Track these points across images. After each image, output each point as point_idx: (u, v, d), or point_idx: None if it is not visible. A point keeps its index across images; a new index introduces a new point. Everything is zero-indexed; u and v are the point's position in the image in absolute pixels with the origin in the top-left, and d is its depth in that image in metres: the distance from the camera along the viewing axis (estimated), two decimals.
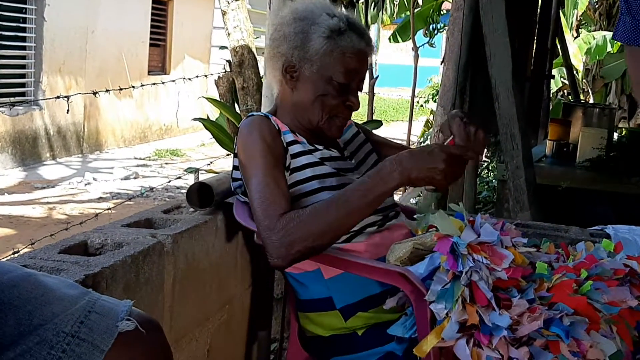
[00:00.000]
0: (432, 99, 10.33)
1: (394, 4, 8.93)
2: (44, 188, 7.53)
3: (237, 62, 3.45)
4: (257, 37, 3.86)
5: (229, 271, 1.95)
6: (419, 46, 7.51)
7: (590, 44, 8.95)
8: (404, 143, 7.92)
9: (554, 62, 6.57)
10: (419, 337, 1.42)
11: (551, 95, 7.17)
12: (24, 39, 8.62)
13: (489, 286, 1.35)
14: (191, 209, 1.86)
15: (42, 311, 0.87)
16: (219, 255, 1.86)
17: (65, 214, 6.46)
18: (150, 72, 11.31)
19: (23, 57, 8.68)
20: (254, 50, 3.54)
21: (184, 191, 1.87)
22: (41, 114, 8.78)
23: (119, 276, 1.37)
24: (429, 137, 6.91)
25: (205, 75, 4.82)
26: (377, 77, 6.80)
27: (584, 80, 9.44)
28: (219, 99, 3.59)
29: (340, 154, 1.77)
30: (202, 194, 1.84)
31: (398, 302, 1.52)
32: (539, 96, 5.47)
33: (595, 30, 9.55)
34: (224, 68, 3.62)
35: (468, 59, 3.39)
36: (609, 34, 8.47)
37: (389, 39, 8.91)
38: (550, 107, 6.43)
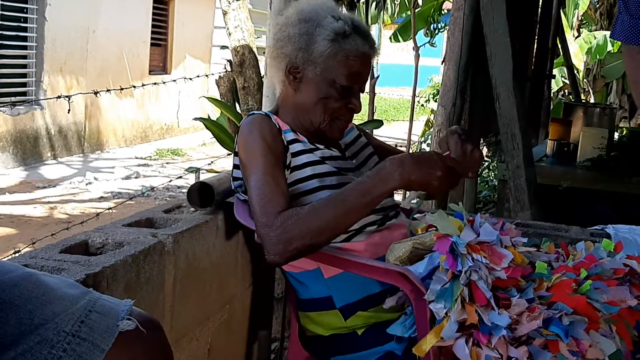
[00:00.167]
0: (433, 98, 10.34)
1: (394, 3, 8.93)
2: (45, 187, 7.53)
3: (238, 61, 3.45)
4: (258, 37, 3.86)
5: (229, 271, 1.95)
6: (420, 46, 7.50)
7: (591, 43, 8.95)
8: (405, 142, 7.92)
9: (554, 61, 6.58)
10: (419, 337, 1.42)
11: (552, 95, 7.17)
12: (25, 39, 8.62)
13: (488, 286, 1.36)
14: (192, 209, 1.86)
15: (42, 310, 0.87)
16: (220, 254, 1.87)
17: (67, 214, 6.47)
18: (151, 72, 11.32)
19: (24, 57, 8.69)
20: (254, 50, 3.54)
21: (185, 191, 1.88)
22: (42, 113, 8.79)
23: (120, 276, 1.37)
24: (430, 136, 6.91)
25: (206, 75, 4.82)
26: (378, 77, 6.79)
27: (584, 80, 9.44)
28: (219, 99, 3.59)
29: (341, 153, 1.77)
30: (202, 194, 1.84)
31: (397, 302, 1.52)
32: (539, 96, 5.47)
33: (596, 30, 9.54)
34: (225, 68, 3.62)
35: (469, 59, 3.40)
36: (609, 34, 8.45)
37: (390, 38, 8.90)
38: (551, 106, 6.43)
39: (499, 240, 1.45)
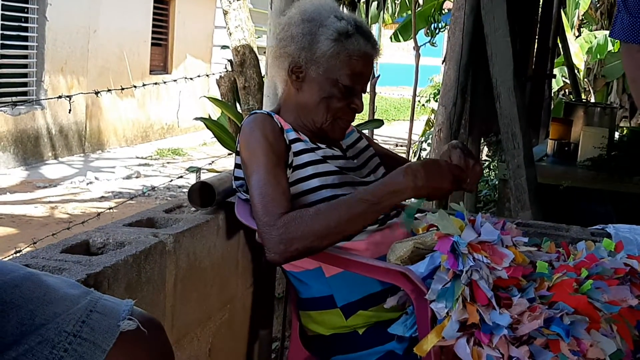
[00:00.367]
0: (434, 98, 10.33)
1: (395, 3, 8.93)
2: (46, 187, 7.54)
3: (238, 61, 3.45)
4: (258, 37, 3.86)
5: (230, 270, 1.95)
6: (420, 45, 7.50)
7: (591, 43, 8.95)
8: (405, 142, 7.92)
9: (555, 61, 6.58)
10: (420, 336, 1.42)
11: (552, 95, 7.17)
12: (26, 39, 8.63)
13: (490, 285, 1.36)
14: (193, 209, 1.86)
15: (43, 311, 0.87)
16: (221, 254, 1.87)
17: (67, 213, 6.47)
18: (152, 72, 11.32)
19: (25, 57, 8.69)
20: (255, 49, 3.54)
21: (186, 190, 1.88)
22: (43, 113, 8.79)
23: (121, 275, 1.37)
24: (430, 136, 6.91)
25: (207, 75, 4.81)
26: (378, 77, 6.79)
27: (585, 80, 9.44)
28: (220, 99, 3.59)
29: (342, 153, 1.77)
30: (203, 194, 1.84)
31: (399, 301, 1.52)
32: (540, 95, 5.47)
33: (596, 30, 9.54)
34: (226, 67, 3.63)
35: (469, 59, 3.40)
36: (609, 33, 8.44)
37: (390, 38, 8.90)
38: (552, 106, 6.43)
39: (500, 240, 1.45)
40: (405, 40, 8.77)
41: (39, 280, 0.91)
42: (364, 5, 6.69)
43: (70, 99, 2.95)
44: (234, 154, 1.78)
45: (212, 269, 1.82)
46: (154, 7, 11.23)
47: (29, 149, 8.61)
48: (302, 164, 1.65)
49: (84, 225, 2.48)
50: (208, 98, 3.60)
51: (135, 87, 3.68)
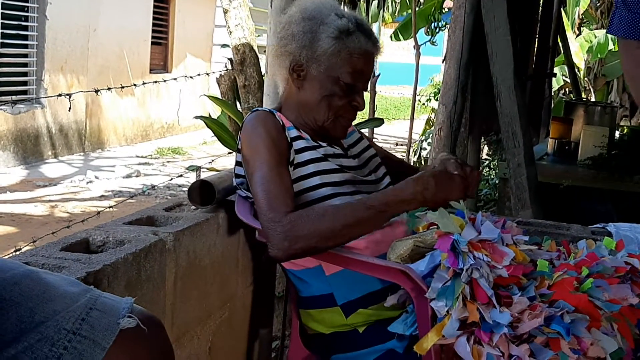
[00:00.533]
0: (434, 97, 10.33)
1: (395, 2, 8.93)
2: (46, 186, 7.53)
3: (238, 60, 3.45)
4: (258, 35, 3.86)
5: (230, 269, 1.95)
6: (421, 44, 7.50)
7: (591, 42, 8.94)
8: (406, 141, 7.91)
9: (555, 60, 6.57)
10: (420, 335, 1.42)
11: (553, 94, 7.17)
12: (26, 38, 8.62)
13: (490, 284, 1.36)
14: (193, 207, 1.86)
15: (43, 308, 0.87)
16: (221, 253, 1.87)
17: (67, 212, 6.47)
18: (152, 71, 11.32)
19: (25, 56, 8.69)
20: (255, 48, 3.54)
21: (186, 189, 1.88)
22: (43, 112, 8.79)
23: (121, 274, 1.37)
24: (431, 135, 6.91)
25: (207, 74, 4.82)
26: (378, 75, 6.79)
27: (585, 79, 9.43)
28: (220, 97, 3.59)
29: (343, 152, 1.77)
30: (203, 192, 1.84)
31: (399, 300, 1.52)
32: (540, 94, 5.47)
33: (597, 29, 9.54)
34: (226, 66, 3.62)
35: (470, 58, 3.39)
36: (607, 30, 8.45)
37: (391, 37, 8.90)
38: (552, 105, 6.43)
39: (501, 239, 1.45)
40: (405, 39, 8.76)
41: (39, 277, 0.91)
42: (364, 4, 6.69)
43: (70, 98, 2.95)
44: (234, 153, 1.78)
45: (212, 267, 1.81)
46: (154, 6, 11.22)
47: (29, 148, 8.61)
48: (303, 162, 1.65)
49: (83, 223, 2.48)
50: (208, 97, 3.60)
51: (135, 85, 3.67)
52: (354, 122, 1.88)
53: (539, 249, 1.59)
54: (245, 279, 2.07)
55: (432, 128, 5.14)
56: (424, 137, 8.30)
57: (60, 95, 2.96)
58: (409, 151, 7.59)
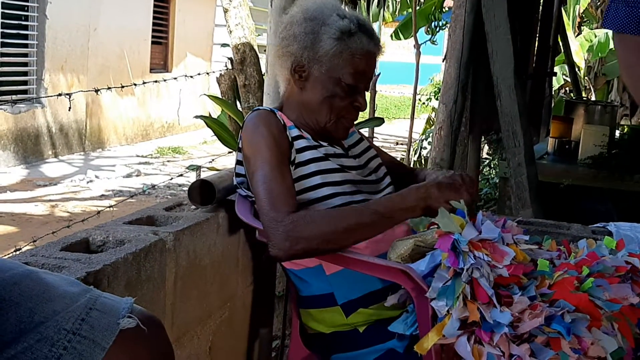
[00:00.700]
0: (435, 96, 10.33)
1: (395, 1, 8.93)
2: (46, 186, 7.53)
3: (238, 59, 3.45)
4: (258, 35, 3.86)
5: (230, 269, 1.95)
6: (421, 44, 7.50)
7: (592, 41, 8.94)
8: (406, 140, 7.91)
9: (555, 59, 6.57)
10: (420, 334, 1.42)
11: (553, 93, 7.17)
12: (26, 37, 8.62)
13: (490, 283, 1.35)
14: (193, 207, 1.86)
15: (43, 308, 0.87)
16: (221, 252, 1.87)
17: (68, 212, 6.47)
18: (152, 70, 11.31)
19: (25, 55, 8.68)
20: (255, 47, 3.54)
21: (186, 189, 1.87)
22: (43, 111, 8.79)
23: (121, 273, 1.37)
24: (431, 134, 6.91)
25: (207, 73, 4.81)
26: (379, 75, 6.79)
27: (585, 78, 9.43)
28: (220, 97, 3.59)
29: (344, 151, 1.77)
30: (203, 192, 1.84)
31: (399, 299, 1.52)
32: (541, 93, 5.46)
33: (597, 28, 9.54)
34: (226, 65, 3.62)
35: (470, 57, 3.39)
36: (610, 32, 8.44)
37: (391, 36, 8.89)
38: (552, 104, 6.42)
39: (501, 238, 1.45)
40: (405, 39, 8.76)
41: (38, 277, 0.91)
42: (365, 3, 6.69)
43: (70, 97, 2.95)
44: (234, 152, 1.77)
45: (212, 267, 1.81)
46: (154, 6, 11.21)
47: (29, 148, 8.61)
48: (304, 161, 1.65)
49: (84, 223, 2.48)
50: (208, 96, 3.60)
51: (135, 85, 3.67)
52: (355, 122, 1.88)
53: (540, 248, 1.59)
54: (246, 278, 2.07)
55: (433, 127, 5.14)
56: (424, 137, 8.30)
57: (60, 94, 2.96)
58: (409, 150, 7.59)
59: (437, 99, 7.39)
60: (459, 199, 1.52)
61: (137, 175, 8.35)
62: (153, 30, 11.28)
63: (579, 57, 9.05)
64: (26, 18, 8.57)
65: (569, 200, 3.49)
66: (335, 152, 1.72)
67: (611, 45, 8.54)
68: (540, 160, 3.68)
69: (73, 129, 9.39)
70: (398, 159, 2.12)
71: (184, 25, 12.12)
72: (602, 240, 1.62)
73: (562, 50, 6.94)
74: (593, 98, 8.91)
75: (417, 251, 1.48)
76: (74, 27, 9.24)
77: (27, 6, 8.54)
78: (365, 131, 2.08)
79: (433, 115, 9.00)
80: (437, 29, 8.15)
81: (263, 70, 3.38)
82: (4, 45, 8.18)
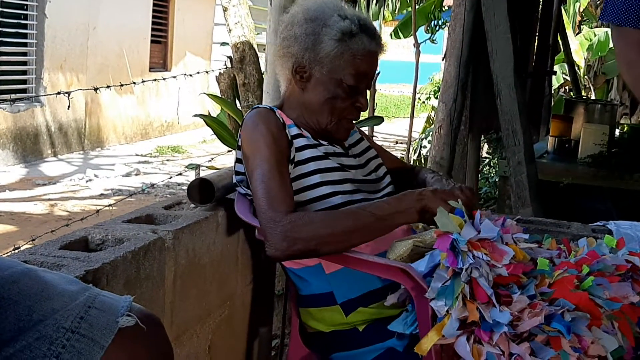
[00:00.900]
0: (434, 95, 10.32)
1: (395, 0, 8.91)
2: (45, 185, 7.53)
3: (238, 58, 3.45)
4: (258, 34, 3.85)
5: (230, 267, 1.95)
6: (421, 42, 7.50)
7: (592, 40, 8.95)
8: (406, 139, 7.90)
9: (555, 58, 6.57)
10: (420, 334, 1.42)
11: (553, 92, 7.17)
12: (25, 36, 8.61)
13: (490, 283, 1.35)
14: (192, 205, 1.86)
15: (41, 307, 0.86)
16: (220, 251, 1.86)
17: (67, 211, 6.46)
18: (151, 69, 11.30)
19: (24, 54, 8.68)
20: (255, 46, 3.54)
21: (185, 188, 1.87)
22: (42, 110, 8.78)
23: (120, 272, 1.37)
24: (430, 133, 6.91)
25: (207, 72, 4.81)
26: (378, 74, 6.77)
27: (585, 77, 9.43)
28: (220, 95, 3.58)
29: (344, 151, 1.77)
30: (202, 190, 1.83)
31: (399, 299, 1.52)
32: (540, 92, 5.46)
33: (597, 27, 9.54)
34: (225, 64, 3.62)
35: (470, 55, 3.39)
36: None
37: (391, 35, 8.89)
38: (552, 103, 6.42)
39: (500, 237, 1.44)
40: (405, 37, 8.75)
41: (37, 276, 0.90)
42: (365, 2, 6.68)
43: (69, 96, 2.94)
44: (233, 151, 1.77)
45: (211, 265, 1.81)
46: (154, 4, 11.21)
47: (28, 147, 8.61)
48: (304, 160, 1.64)
49: (83, 222, 2.48)
50: (208, 95, 3.60)
51: (134, 83, 3.67)
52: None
53: (539, 247, 1.59)
54: (245, 277, 2.06)
55: (432, 126, 5.14)
56: (424, 135, 8.29)
57: (59, 93, 2.96)
58: (408, 149, 7.58)
59: (436, 98, 7.38)
60: (455, 199, 1.51)
61: (136, 174, 8.34)
62: (152, 29, 11.28)
63: (579, 56, 9.06)
64: (25, 17, 8.56)
65: (569, 199, 3.49)
66: (335, 151, 1.72)
67: (611, 44, 8.54)
68: (540, 159, 3.68)
69: (72, 128, 9.39)
70: (398, 158, 2.11)
71: (184, 24, 12.11)
72: (602, 239, 1.62)
73: (562, 49, 6.94)
74: (593, 97, 8.91)
75: (416, 251, 1.48)
76: (73, 26, 9.23)
77: (26, 5, 8.54)
78: (364, 130, 2.07)
79: (433, 114, 9.00)
80: (437, 28, 8.14)
81: (262, 68, 3.37)
82: (3, 44, 8.17)
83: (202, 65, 12.19)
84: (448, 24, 4.74)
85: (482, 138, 4.60)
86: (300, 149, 1.65)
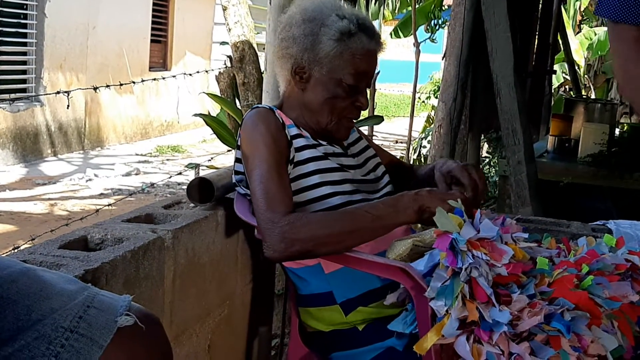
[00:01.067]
0: (434, 95, 10.32)
1: None
2: (45, 184, 7.53)
3: (237, 57, 3.45)
4: (257, 33, 3.85)
5: (229, 267, 1.94)
6: (421, 42, 7.49)
7: (591, 39, 8.95)
8: (406, 138, 7.90)
9: (555, 57, 6.57)
10: (420, 333, 1.41)
11: (553, 91, 7.17)
12: (25, 35, 8.61)
13: (489, 282, 1.35)
14: (191, 205, 1.86)
15: (40, 306, 0.86)
16: (220, 250, 1.86)
17: (67, 210, 6.46)
18: (151, 69, 11.30)
19: (24, 54, 8.67)
20: (254, 45, 3.53)
21: (185, 187, 1.87)
22: (42, 110, 8.78)
23: (119, 271, 1.37)
24: (430, 132, 6.90)
25: (206, 71, 4.81)
26: (378, 73, 6.77)
27: (585, 76, 9.43)
28: (219, 95, 3.58)
29: (343, 151, 1.76)
30: (202, 190, 1.83)
31: (398, 298, 1.52)
32: (540, 91, 5.47)
33: (597, 26, 9.54)
34: (225, 64, 3.62)
35: (470, 54, 3.39)
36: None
37: (391, 34, 8.89)
38: (552, 102, 6.42)
39: (499, 237, 1.44)
40: (405, 37, 8.75)
41: (36, 275, 0.90)
42: (364, 1, 6.68)
43: (68, 95, 2.94)
44: (233, 150, 1.77)
45: (211, 265, 1.81)
46: (154, 4, 11.20)
47: (28, 146, 8.60)
48: (303, 160, 1.64)
49: (82, 221, 2.48)
50: (207, 94, 3.60)
51: (134, 83, 3.67)
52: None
53: (539, 246, 1.59)
54: (245, 276, 2.06)
55: (432, 125, 5.14)
56: (423, 135, 8.29)
57: (59, 92, 2.95)
58: (408, 149, 7.58)
59: (436, 97, 7.38)
60: (453, 199, 1.50)
61: (136, 174, 8.34)
62: (152, 29, 11.28)
63: (579, 55, 9.06)
64: (25, 16, 8.56)
65: (569, 198, 3.49)
66: (334, 151, 1.72)
67: None
68: (540, 159, 3.68)
69: (72, 128, 9.39)
70: (397, 157, 2.11)
71: (183, 23, 12.11)
72: (601, 238, 1.62)
73: (562, 48, 6.94)
74: (593, 96, 8.91)
75: (416, 251, 1.48)
76: (73, 26, 9.23)
77: (26, 4, 8.53)
78: (364, 129, 2.07)
79: (433, 113, 8.99)
80: (437, 27, 8.14)
81: (262, 68, 3.37)
82: (3, 43, 8.17)
83: (201, 65, 12.18)
84: (448, 23, 4.74)
85: (482, 137, 4.60)
86: (299, 149, 1.65)
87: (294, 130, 1.67)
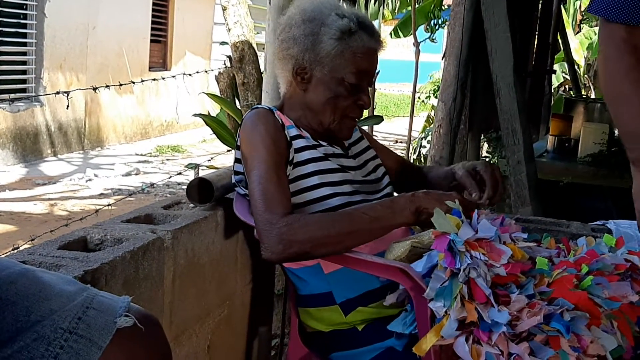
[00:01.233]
0: (434, 94, 10.32)
1: None
2: (45, 184, 7.53)
3: (237, 57, 3.45)
4: (257, 33, 3.85)
5: (229, 267, 1.94)
6: (420, 42, 7.49)
7: (591, 39, 8.95)
8: (405, 138, 7.91)
9: (555, 57, 6.57)
10: (420, 333, 1.41)
11: (552, 91, 7.17)
12: (24, 35, 8.61)
13: (488, 283, 1.35)
14: (191, 205, 1.85)
15: (39, 307, 0.86)
16: (219, 251, 1.86)
17: (67, 210, 6.46)
18: (151, 68, 11.30)
19: (24, 54, 8.67)
20: (254, 45, 3.53)
21: (185, 187, 1.87)
22: (42, 110, 8.78)
23: (119, 272, 1.37)
24: (430, 132, 6.90)
25: (206, 71, 4.81)
26: (378, 72, 6.78)
27: (585, 76, 9.43)
28: (219, 95, 3.58)
29: (344, 151, 1.76)
30: (202, 190, 1.83)
31: (398, 298, 1.52)
32: (540, 91, 5.47)
33: (596, 26, 9.53)
34: (225, 64, 3.62)
35: (469, 54, 3.39)
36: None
37: (390, 34, 8.89)
38: (552, 102, 6.42)
39: (498, 237, 1.44)
40: (405, 36, 8.76)
41: (35, 276, 0.90)
42: (364, 1, 6.68)
43: (68, 95, 2.94)
44: (233, 150, 1.77)
45: (210, 265, 1.81)
46: (153, 4, 11.20)
47: (28, 146, 8.60)
48: (303, 161, 1.64)
49: (82, 221, 2.48)
50: (207, 94, 3.60)
51: (134, 83, 3.67)
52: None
53: (539, 246, 1.59)
54: (244, 276, 2.06)
55: (432, 125, 5.14)
56: (423, 135, 8.29)
57: (58, 92, 2.95)
58: (408, 148, 7.58)
59: (436, 97, 7.38)
60: (450, 199, 1.50)
61: (136, 174, 8.34)
62: (152, 29, 11.27)
63: (579, 55, 9.06)
64: (25, 16, 8.56)
65: (569, 198, 3.49)
66: (334, 152, 1.72)
67: None
68: (540, 158, 3.68)
69: (72, 128, 9.38)
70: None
71: (183, 23, 12.11)
72: (601, 238, 1.62)
73: (562, 48, 6.94)
74: (593, 96, 8.91)
75: (414, 252, 1.48)
76: (72, 26, 9.23)
77: (26, 4, 8.53)
78: (364, 129, 2.06)
79: (432, 113, 8.99)
80: (437, 27, 8.14)
81: (262, 68, 3.37)
82: (3, 43, 8.17)
83: (201, 65, 12.18)
84: (447, 23, 4.74)
85: (482, 137, 4.60)
86: (299, 150, 1.65)
87: (293, 131, 1.67)
